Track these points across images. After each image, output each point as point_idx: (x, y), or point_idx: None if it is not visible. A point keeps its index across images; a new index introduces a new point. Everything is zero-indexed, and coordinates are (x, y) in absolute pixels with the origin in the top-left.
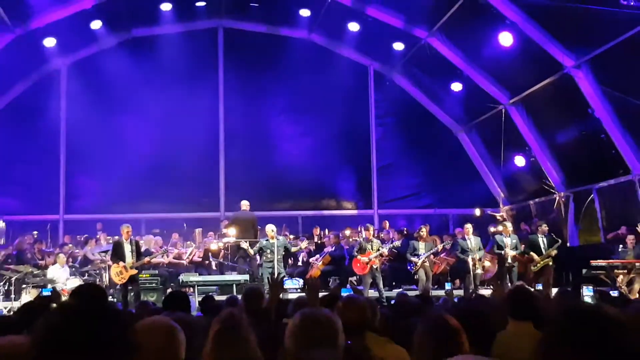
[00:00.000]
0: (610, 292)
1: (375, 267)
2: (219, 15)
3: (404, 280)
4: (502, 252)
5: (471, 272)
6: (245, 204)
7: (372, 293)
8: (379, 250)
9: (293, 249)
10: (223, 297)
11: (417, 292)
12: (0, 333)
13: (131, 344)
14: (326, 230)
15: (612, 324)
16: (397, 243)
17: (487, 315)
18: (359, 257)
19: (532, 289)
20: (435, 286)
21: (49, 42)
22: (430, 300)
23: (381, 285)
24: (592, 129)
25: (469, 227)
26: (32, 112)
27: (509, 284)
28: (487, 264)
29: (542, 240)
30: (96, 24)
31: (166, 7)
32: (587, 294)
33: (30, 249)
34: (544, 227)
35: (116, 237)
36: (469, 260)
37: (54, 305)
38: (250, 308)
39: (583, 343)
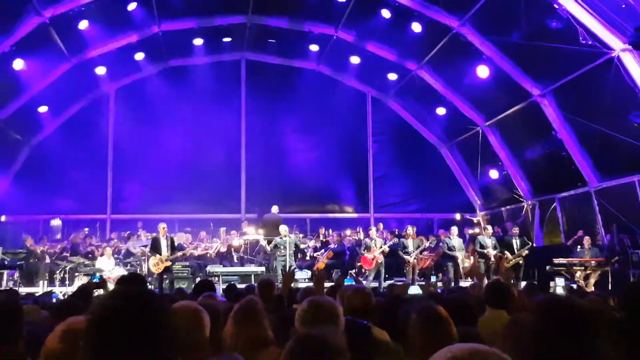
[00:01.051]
0: (570, 285)
1: (380, 262)
2: (242, 49)
3: (395, 273)
4: (485, 251)
5: (454, 267)
6: (275, 209)
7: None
8: (381, 247)
9: (302, 246)
10: (243, 286)
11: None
12: (60, 314)
13: (167, 323)
14: (330, 230)
15: (580, 311)
16: (395, 240)
17: (470, 305)
18: (365, 254)
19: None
20: (422, 278)
21: (100, 70)
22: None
23: (382, 278)
24: (554, 147)
25: (454, 229)
26: (85, 128)
27: (488, 278)
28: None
29: (515, 242)
30: (139, 56)
31: (198, 42)
32: (560, 284)
33: (82, 243)
34: (516, 231)
35: (154, 234)
36: (458, 255)
37: (102, 290)
38: (263, 296)
39: (560, 326)
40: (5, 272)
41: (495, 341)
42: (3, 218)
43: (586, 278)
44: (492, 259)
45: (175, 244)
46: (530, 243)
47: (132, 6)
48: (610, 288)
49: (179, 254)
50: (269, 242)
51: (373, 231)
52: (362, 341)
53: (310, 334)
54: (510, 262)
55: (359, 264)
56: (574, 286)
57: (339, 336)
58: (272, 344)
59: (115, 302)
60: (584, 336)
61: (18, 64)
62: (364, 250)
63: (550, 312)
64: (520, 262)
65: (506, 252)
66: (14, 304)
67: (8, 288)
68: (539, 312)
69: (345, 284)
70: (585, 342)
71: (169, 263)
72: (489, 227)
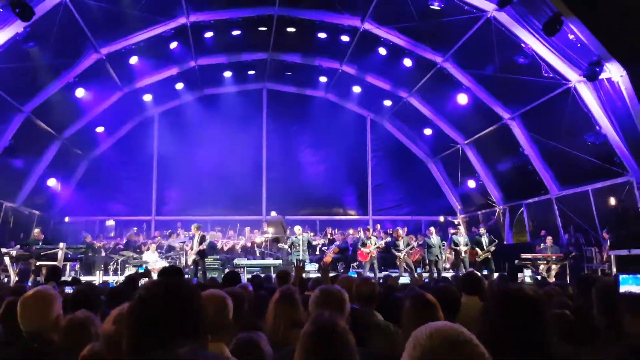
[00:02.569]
0: (535, 276)
1: (373, 256)
2: (264, 80)
3: (389, 265)
4: (458, 247)
5: (435, 261)
6: (273, 213)
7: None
8: (375, 244)
9: (313, 243)
10: (263, 275)
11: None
12: (113, 298)
13: (197, 308)
14: (335, 230)
15: (532, 298)
16: (388, 239)
17: (455, 292)
18: (362, 249)
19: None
20: (408, 270)
21: (147, 97)
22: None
23: (376, 269)
24: (522, 162)
25: (432, 229)
26: (134, 144)
27: (464, 270)
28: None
29: (484, 240)
30: (179, 85)
31: (227, 74)
32: (527, 275)
33: (132, 240)
34: (483, 231)
35: (190, 232)
36: (436, 250)
37: (147, 279)
38: (280, 285)
39: (510, 309)
40: (69, 264)
41: (470, 322)
42: (67, 219)
43: (548, 270)
44: (463, 254)
45: (207, 240)
46: (496, 240)
47: (173, 45)
48: (568, 279)
49: (201, 247)
50: (286, 241)
51: (370, 231)
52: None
53: (322, 318)
54: (481, 257)
55: (358, 258)
56: (538, 277)
57: (344, 320)
58: (304, 324)
59: (155, 291)
60: (531, 317)
61: (80, 92)
62: (360, 246)
63: (502, 299)
64: (489, 256)
65: (476, 248)
66: (92, 290)
67: (72, 277)
68: (494, 299)
69: (349, 274)
70: (532, 322)
71: (194, 256)
72: (462, 228)
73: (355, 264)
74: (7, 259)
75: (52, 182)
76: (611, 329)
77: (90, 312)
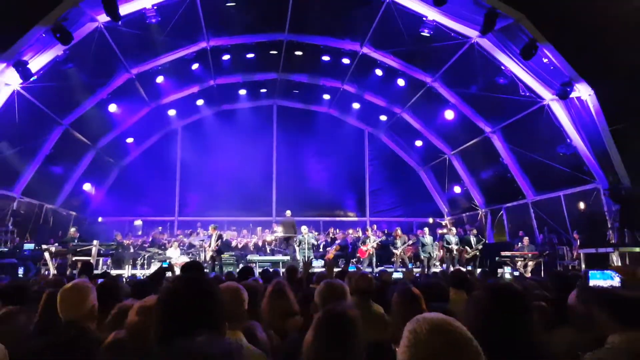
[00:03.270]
0: (513, 272)
1: (371, 253)
2: (274, 97)
3: (384, 261)
4: (450, 246)
5: (428, 258)
6: (288, 213)
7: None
8: (373, 242)
9: (316, 243)
10: (272, 270)
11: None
12: (140, 291)
13: (215, 300)
14: (337, 230)
15: (517, 292)
16: (383, 238)
17: (443, 286)
18: (361, 247)
19: (465, 269)
20: (402, 266)
21: (171, 112)
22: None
23: (374, 265)
24: (502, 170)
25: (426, 230)
26: (159, 153)
27: (451, 267)
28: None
29: (472, 239)
30: (200, 102)
31: (242, 92)
32: (507, 271)
33: (157, 238)
34: (474, 231)
35: (208, 231)
36: (429, 248)
37: (170, 273)
38: (289, 278)
39: (502, 303)
40: (101, 259)
41: (458, 313)
42: (100, 219)
43: (525, 267)
44: (455, 252)
45: (223, 239)
46: (483, 240)
47: (195, 66)
48: (542, 274)
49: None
50: (292, 239)
51: (369, 231)
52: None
53: (334, 308)
54: (470, 254)
55: (357, 254)
56: (516, 273)
57: (355, 310)
58: (297, 314)
59: (179, 286)
60: (519, 309)
61: (112, 108)
62: (360, 244)
63: (495, 292)
64: (477, 254)
65: (466, 247)
66: (115, 283)
67: (104, 271)
68: (487, 292)
69: (349, 270)
70: (521, 314)
71: (211, 252)
72: (454, 229)
73: (354, 260)
74: (47, 255)
75: (87, 187)
76: (588, 317)
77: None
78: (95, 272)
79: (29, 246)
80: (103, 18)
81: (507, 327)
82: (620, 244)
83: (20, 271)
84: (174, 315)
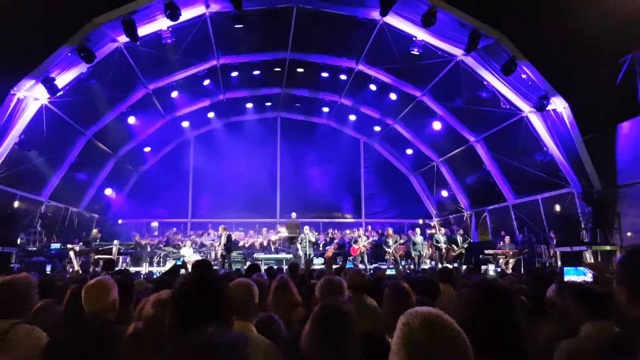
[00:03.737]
0: (496, 268)
1: (363, 251)
2: (278, 110)
3: (378, 259)
4: (439, 245)
5: (418, 255)
6: (294, 215)
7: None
8: (364, 241)
9: (315, 241)
10: (276, 267)
11: (385, 266)
12: (157, 285)
13: (224, 295)
14: (336, 230)
15: (502, 288)
16: (376, 237)
17: (433, 281)
18: (354, 246)
19: (452, 266)
20: (395, 263)
21: (185, 123)
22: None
23: (366, 262)
24: (485, 176)
25: (417, 230)
26: (174, 161)
27: (440, 264)
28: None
29: (459, 239)
30: (211, 114)
31: (249, 105)
32: (491, 268)
33: (172, 238)
34: (461, 232)
35: (219, 232)
36: (419, 247)
37: (184, 270)
38: (291, 274)
39: (491, 298)
40: (121, 257)
41: (446, 305)
42: (120, 221)
43: (506, 263)
44: (443, 250)
45: (232, 238)
46: (469, 239)
47: (206, 82)
48: (522, 271)
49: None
50: (296, 239)
51: (361, 231)
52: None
53: (329, 304)
54: (456, 252)
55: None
56: (498, 269)
57: (350, 305)
58: (299, 305)
59: (191, 282)
60: (505, 303)
61: (131, 120)
62: (353, 243)
63: (481, 288)
64: (463, 252)
65: (453, 245)
66: (129, 278)
67: (123, 268)
68: (474, 288)
69: (347, 266)
70: (505, 307)
71: (222, 251)
72: (442, 229)
73: (351, 257)
74: (71, 253)
75: (108, 191)
76: (564, 310)
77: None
78: (116, 269)
79: (55, 246)
80: (123, 39)
81: (494, 320)
82: (593, 243)
83: (48, 268)
84: (186, 308)
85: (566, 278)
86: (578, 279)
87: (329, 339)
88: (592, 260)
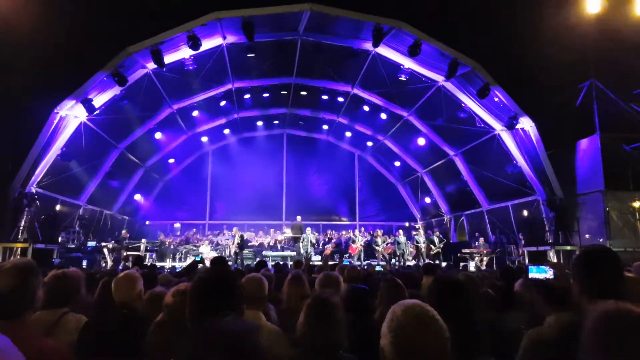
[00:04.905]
0: (471, 265)
1: (360, 250)
2: (284, 127)
3: (370, 256)
4: (419, 245)
5: (402, 253)
6: (298, 218)
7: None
8: (361, 241)
9: (314, 241)
10: (282, 263)
11: (376, 263)
12: (179, 279)
13: (237, 287)
14: (333, 231)
15: (457, 281)
16: (369, 238)
17: (416, 276)
18: (352, 245)
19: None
20: (383, 260)
21: (204, 138)
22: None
23: (362, 259)
24: (462, 185)
25: (400, 231)
26: (195, 171)
27: (422, 261)
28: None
29: (436, 239)
30: (226, 130)
31: (259, 123)
32: (472, 264)
33: (192, 237)
34: (437, 233)
35: (232, 232)
36: (403, 246)
37: (202, 265)
38: (296, 269)
39: (442, 288)
40: (148, 254)
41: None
42: (147, 222)
43: (481, 261)
44: (423, 248)
45: (244, 238)
46: (445, 240)
47: (222, 103)
48: (495, 267)
49: (240, 243)
50: (299, 239)
51: (356, 232)
52: (361, 296)
53: (319, 295)
54: (434, 251)
55: (349, 251)
56: (474, 266)
57: (337, 297)
58: (309, 297)
59: (207, 276)
60: (460, 295)
61: (158, 135)
62: (351, 243)
63: (437, 281)
64: (439, 251)
65: (431, 245)
66: (154, 272)
67: (150, 263)
68: (434, 281)
69: (344, 263)
70: (459, 296)
71: (235, 249)
72: (422, 231)
73: (346, 255)
74: (105, 250)
75: (137, 197)
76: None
77: (153, 285)
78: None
79: (91, 243)
80: (151, 65)
81: (446, 306)
82: (555, 243)
83: (84, 263)
84: (202, 298)
85: (530, 275)
86: (540, 276)
87: (318, 324)
88: (555, 259)
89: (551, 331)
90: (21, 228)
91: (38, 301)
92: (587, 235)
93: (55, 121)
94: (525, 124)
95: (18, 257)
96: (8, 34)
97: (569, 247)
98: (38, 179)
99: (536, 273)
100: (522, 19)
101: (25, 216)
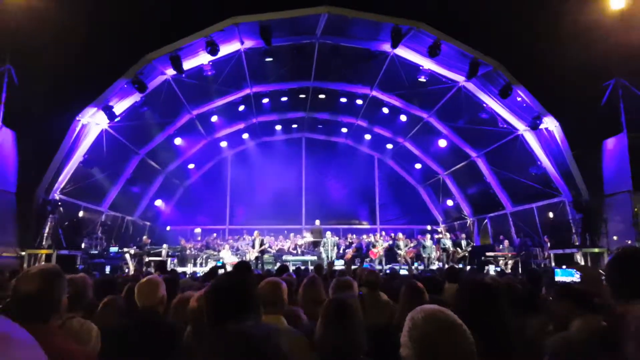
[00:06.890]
0: (496, 269)
1: (381, 254)
2: (303, 131)
3: (392, 260)
4: (445, 247)
5: (428, 257)
6: (317, 222)
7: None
8: (382, 245)
9: (337, 245)
10: (302, 267)
11: (398, 267)
12: (201, 283)
13: (254, 292)
14: (354, 235)
15: (496, 287)
16: (390, 242)
17: (439, 280)
18: (373, 250)
19: (457, 266)
20: (406, 264)
21: (223, 143)
22: (396, 275)
23: (383, 263)
24: (485, 187)
25: (427, 235)
26: (214, 176)
27: (446, 265)
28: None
29: (463, 243)
30: (245, 135)
31: (278, 127)
32: (492, 268)
33: (213, 242)
34: (464, 236)
35: (253, 237)
36: (429, 249)
37: (223, 270)
38: (316, 274)
39: (484, 295)
40: (169, 259)
41: (451, 301)
42: (168, 228)
43: (505, 265)
44: (450, 252)
45: (265, 243)
46: (472, 243)
47: (241, 108)
48: (520, 271)
49: (261, 248)
50: (319, 243)
51: (378, 236)
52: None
53: (336, 297)
54: (460, 254)
55: (370, 256)
56: (498, 269)
57: (355, 299)
58: (325, 300)
59: (223, 281)
60: (489, 299)
61: (177, 141)
62: (372, 247)
63: (468, 286)
64: (466, 254)
65: (457, 248)
66: (175, 277)
67: (171, 269)
68: (464, 286)
69: (363, 267)
70: (491, 303)
71: (257, 254)
72: (448, 234)
73: (367, 259)
74: (127, 256)
75: (158, 202)
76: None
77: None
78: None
79: (114, 249)
80: (170, 72)
81: (478, 312)
82: (582, 246)
83: (107, 269)
84: (216, 304)
85: (557, 278)
86: (567, 279)
87: (336, 327)
88: (582, 262)
89: (578, 336)
90: (45, 234)
91: (64, 306)
92: (615, 237)
93: (77, 129)
94: (550, 123)
95: (43, 263)
96: (31, 43)
97: (596, 250)
98: (61, 186)
99: (562, 276)
100: (544, 17)
101: (49, 223)
